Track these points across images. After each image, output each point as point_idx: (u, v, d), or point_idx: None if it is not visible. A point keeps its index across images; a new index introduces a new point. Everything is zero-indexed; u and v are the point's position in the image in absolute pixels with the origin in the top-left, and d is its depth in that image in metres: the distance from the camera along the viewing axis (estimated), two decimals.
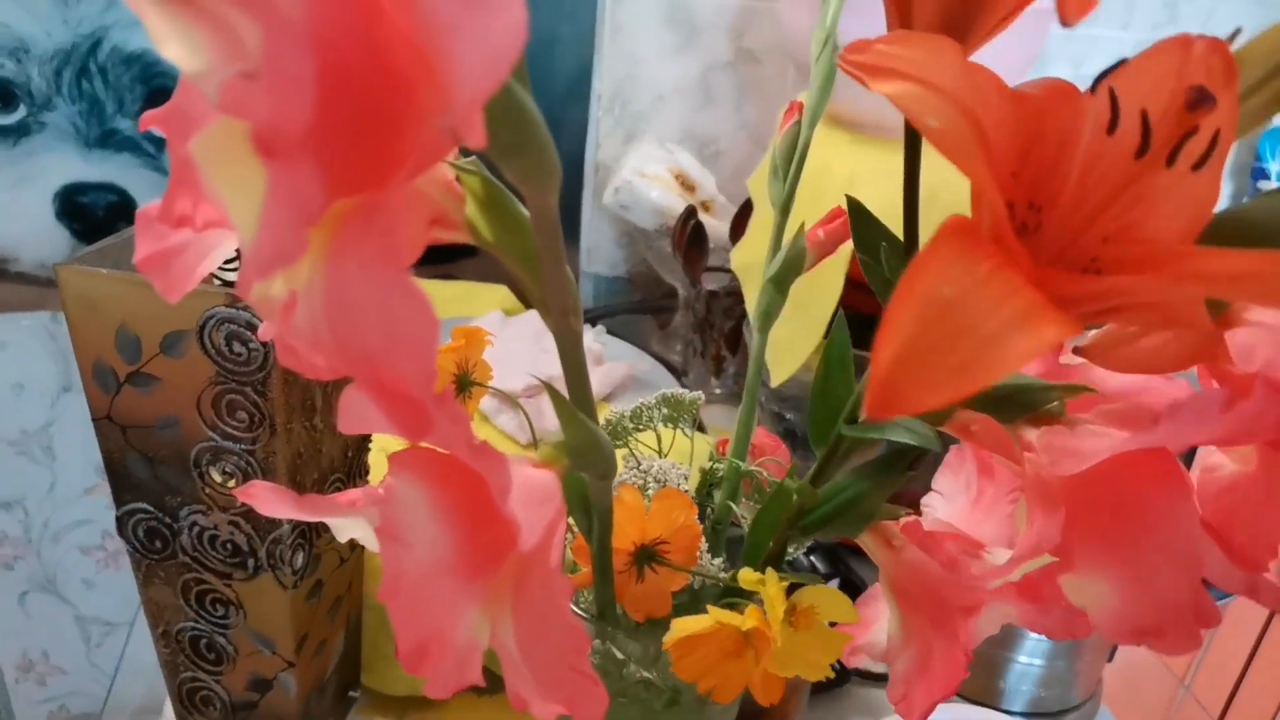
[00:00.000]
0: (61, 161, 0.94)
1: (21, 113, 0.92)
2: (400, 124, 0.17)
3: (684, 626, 0.37)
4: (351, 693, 0.61)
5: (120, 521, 0.49)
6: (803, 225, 0.50)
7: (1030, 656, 0.65)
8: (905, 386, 0.20)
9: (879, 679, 0.68)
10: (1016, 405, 0.30)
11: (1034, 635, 0.64)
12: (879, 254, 0.28)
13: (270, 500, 0.28)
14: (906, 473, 0.37)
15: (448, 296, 0.94)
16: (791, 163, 0.50)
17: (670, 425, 0.52)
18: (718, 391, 0.97)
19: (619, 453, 0.49)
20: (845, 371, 0.35)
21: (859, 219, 0.29)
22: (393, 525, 0.23)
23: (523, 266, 0.28)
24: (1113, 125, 0.24)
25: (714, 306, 0.95)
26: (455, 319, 0.75)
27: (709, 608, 0.36)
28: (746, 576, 0.38)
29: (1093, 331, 0.30)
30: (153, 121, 0.21)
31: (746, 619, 0.36)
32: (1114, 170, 0.24)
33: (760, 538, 0.40)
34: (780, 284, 0.50)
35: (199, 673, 0.53)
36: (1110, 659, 0.68)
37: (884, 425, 0.31)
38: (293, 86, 0.14)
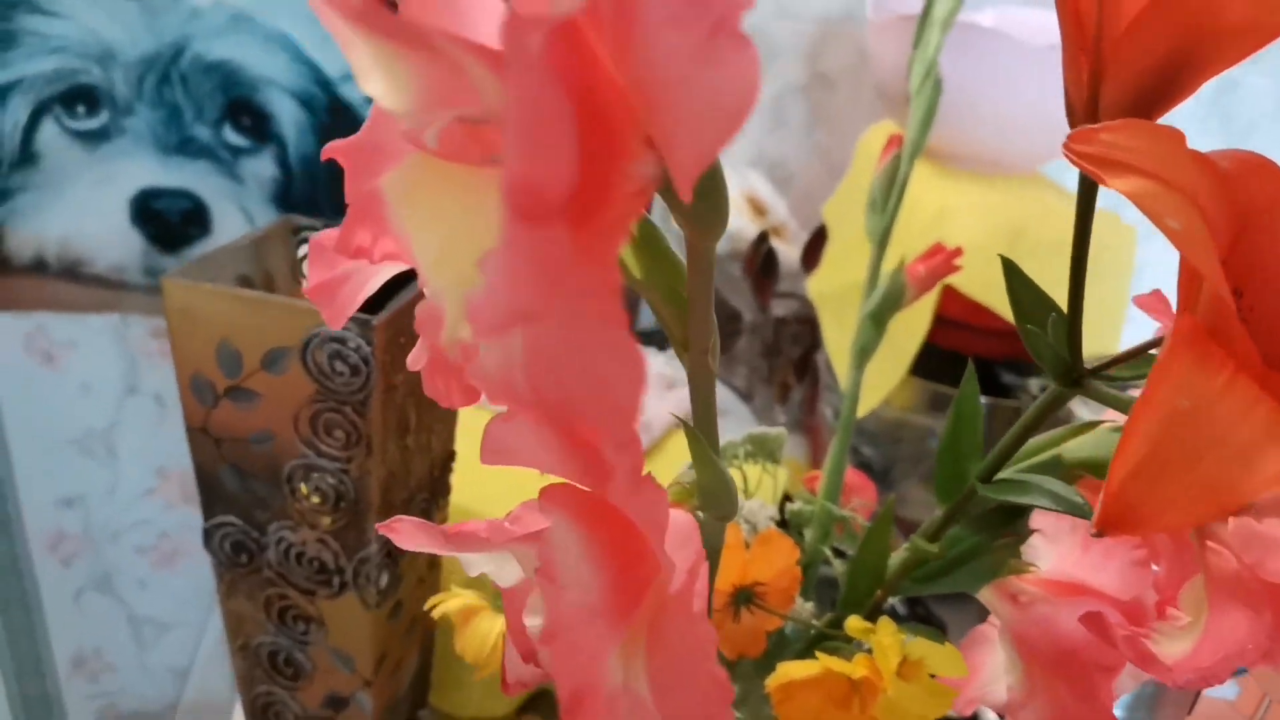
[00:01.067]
0: (139, 167, 0.95)
1: (104, 118, 0.93)
2: (610, 177, 0.17)
3: (790, 671, 0.36)
4: (422, 712, 0.61)
5: (208, 534, 0.49)
6: (903, 260, 0.49)
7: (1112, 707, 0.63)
8: (1142, 503, 0.19)
9: None
10: None
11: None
12: (1042, 322, 0.27)
13: (413, 534, 0.27)
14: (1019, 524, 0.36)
15: None
16: (890, 196, 0.49)
17: (754, 461, 0.51)
18: (783, 420, 0.96)
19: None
20: (974, 425, 0.34)
21: (1017, 284, 0.28)
22: (551, 567, 0.22)
23: (668, 305, 0.28)
24: None
25: (782, 333, 0.94)
26: None
27: (818, 654, 0.36)
28: (854, 625, 0.37)
29: None
30: (336, 153, 0.21)
31: (857, 667, 0.35)
32: None
33: (859, 584, 0.39)
34: (879, 320, 0.49)
35: (274, 687, 0.53)
36: (1190, 711, 0.66)
37: (1025, 486, 0.30)
38: (554, 147, 0.14)
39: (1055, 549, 0.37)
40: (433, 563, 0.56)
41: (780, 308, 0.94)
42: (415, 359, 0.27)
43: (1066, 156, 0.20)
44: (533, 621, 0.28)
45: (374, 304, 0.43)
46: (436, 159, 0.18)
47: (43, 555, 1.14)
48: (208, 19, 0.92)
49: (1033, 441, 0.34)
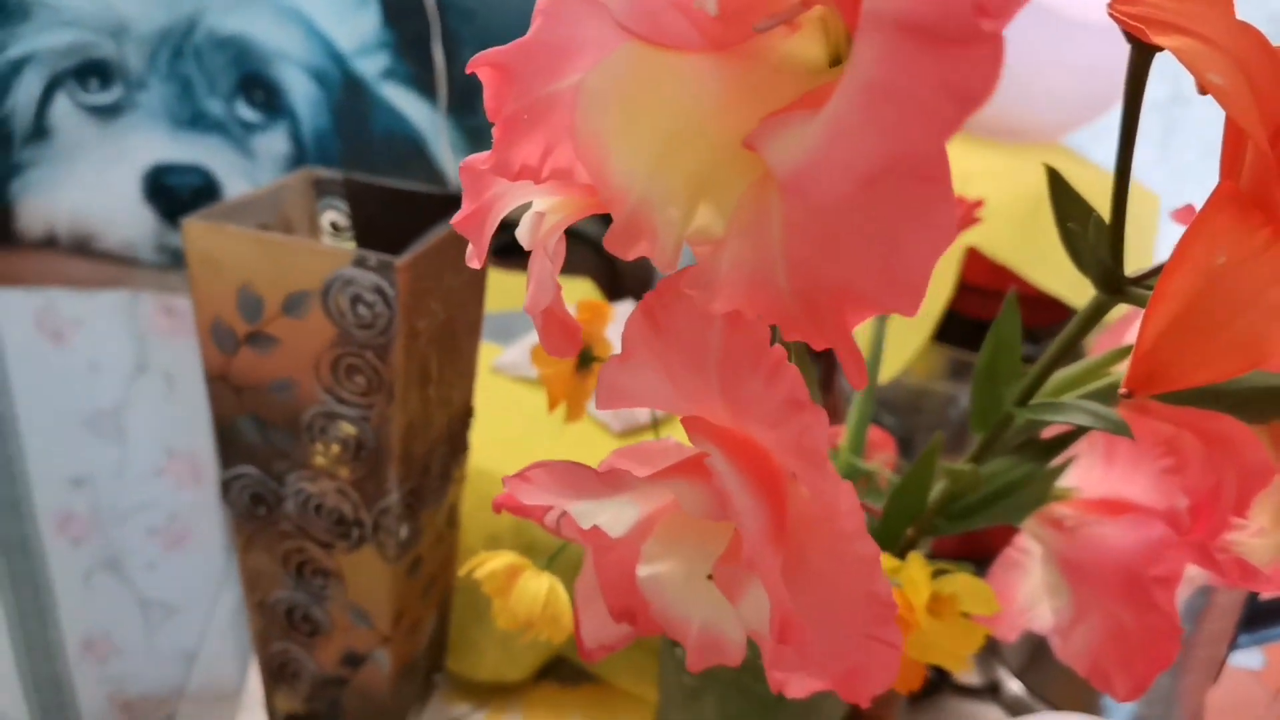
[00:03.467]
0: (151, 141, 0.95)
1: (117, 92, 0.92)
2: None
3: None
4: (437, 675, 0.60)
5: (225, 486, 0.49)
6: None
7: None
8: (1174, 360, 0.18)
9: (972, 692, 0.66)
10: (1271, 405, 0.28)
11: None
12: (1086, 225, 0.27)
13: (545, 484, 0.26)
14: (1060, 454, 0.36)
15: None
16: None
17: None
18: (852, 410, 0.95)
19: None
20: (1013, 351, 0.34)
21: (1059, 190, 0.28)
22: (726, 494, 0.22)
23: None
24: None
25: None
26: None
27: None
28: (885, 562, 0.36)
29: None
30: (489, 62, 0.19)
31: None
32: None
33: (896, 523, 0.38)
34: None
35: (291, 644, 0.53)
36: (1215, 679, 0.65)
37: (1065, 408, 0.30)
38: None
39: (1078, 467, 0.37)
40: (451, 520, 0.55)
41: None
42: (534, 302, 0.25)
43: (1112, 16, 0.20)
44: (649, 570, 0.27)
45: (396, 245, 0.43)
46: (651, 49, 0.17)
47: (52, 536, 1.13)
48: None
49: (1080, 367, 0.33)
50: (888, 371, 0.66)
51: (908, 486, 0.37)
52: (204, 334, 0.45)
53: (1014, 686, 0.66)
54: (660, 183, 0.17)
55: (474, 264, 0.22)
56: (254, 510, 0.49)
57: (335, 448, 0.46)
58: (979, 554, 0.58)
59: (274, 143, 0.98)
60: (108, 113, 0.93)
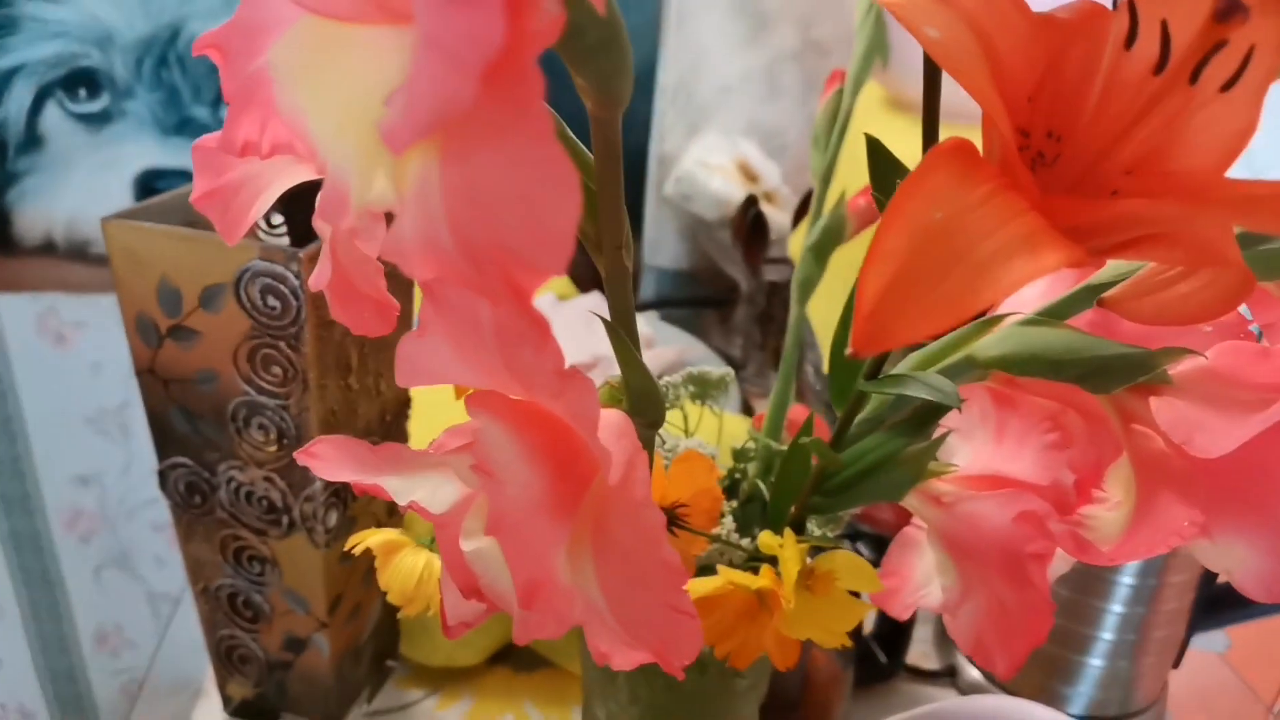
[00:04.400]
0: (140, 148, 0.97)
1: (105, 100, 0.95)
2: None
3: (698, 587, 0.36)
4: (390, 662, 0.62)
5: (162, 475, 0.50)
6: (843, 194, 0.48)
7: (1089, 656, 0.62)
8: (893, 318, 0.19)
9: (928, 675, 0.66)
10: (1115, 375, 0.28)
11: (1094, 633, 0.61)
12: (893, 191, 0.27)
13: (333, 459, 0.27)
14: (931, 429, 0.36)
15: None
16: (832, 132, 0.49)
17: (699, 403, 0.51)
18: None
19: None
20: None
21: (878, 159, 0.28)
22: (487, 462, 0.22)
23: None
24: (1131, 38, 0.22)
25: (775, 298, 0.93)
26: None
27: (719, 568, 0.36)
28: (765, 540, 0.37)
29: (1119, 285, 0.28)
30: (208, 46, 0.20)
31: (758, 579, 0.35)
32: (1135, 91, 0.22)
33: (781, 503, 0.39)
34: (819, 253, 0.49)
35: (237, 630, 0.54)
36: (1176, 665, 0.65)
37: (902, 379, 0.30)
38: None
39: (970, 445, 0.37)
40: (392, 509, 0.56)
41: (773, 273, 0.93)
42: (318, 278, 0.26)
43: None
44: (470, 545, 0.28)
45: (304, 239, 0.44)
46: (328, 21, 0.18)
47: (62, 533, 1.16)
48: (201, 1, 0.93)
49: (941, 342, 0.33)
50: None
51: (787, 466, 0.37)
52: (130, 328, 0.46)
53: (972, 672, 0.66)
54: (343, 151, 0.18)
55: (229, 242, 0.23)
56: (190, 499, 0.50)
57: (261, 437, 0.47)
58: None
59: None
60: (97, 120, 0.95)
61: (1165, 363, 0.28)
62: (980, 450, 0.39)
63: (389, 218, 0.20)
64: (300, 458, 0.25)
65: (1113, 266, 0.31)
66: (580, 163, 0.25)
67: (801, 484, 0.37)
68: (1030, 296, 0.36)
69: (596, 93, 0.22)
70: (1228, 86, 0.20)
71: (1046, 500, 0.36)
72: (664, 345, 0.79)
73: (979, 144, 0.27)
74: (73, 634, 1.22)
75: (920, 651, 0.68)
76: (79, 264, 1.02)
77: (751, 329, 0.96)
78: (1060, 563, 0.36)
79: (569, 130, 0.25)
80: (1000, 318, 0.33)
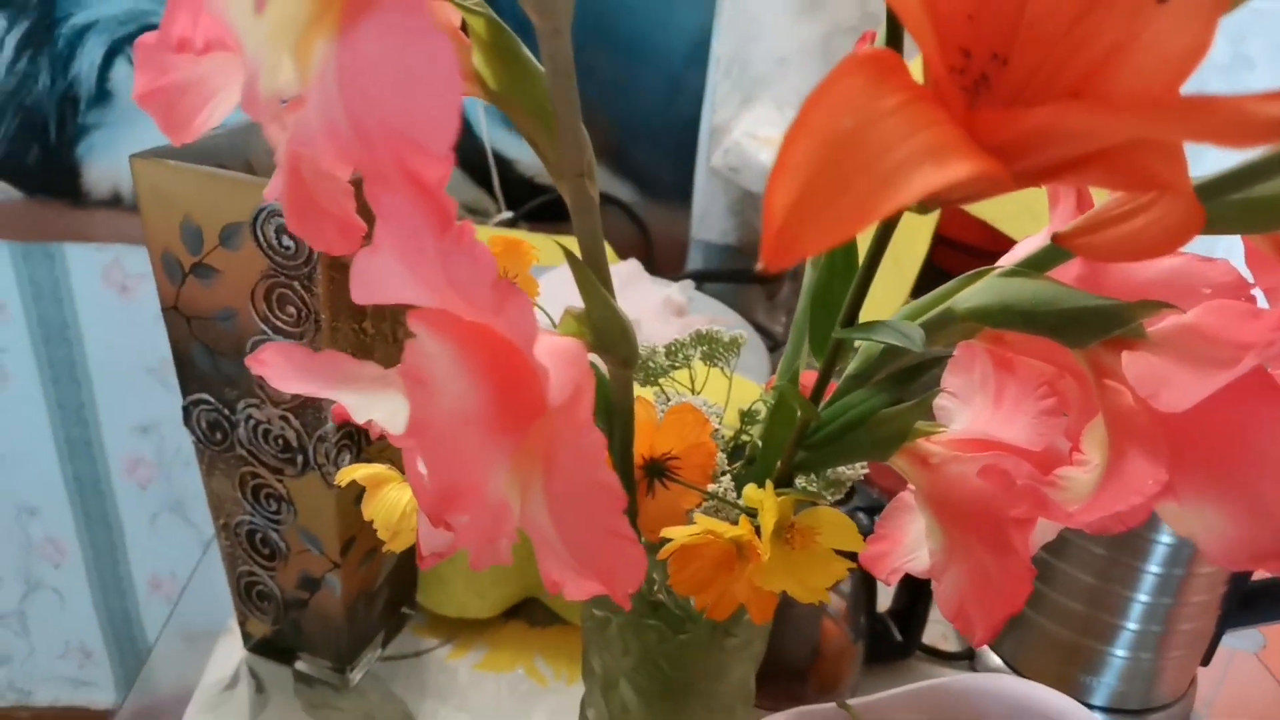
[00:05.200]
0: None
1: None
2: None
3: (675, 535, 0.36)
4: (406, 609, 0.63)
5: (186, 411, 0.52)
6: None
7: (1112, 645, 0.60)
8: (801, 230, 0.18)
9: (945, 657, 0.65)
10: (1088, 327, 0.28)
11: (1118, 621, 0.60)
12: None
13: (281, 365, 0.27)
14: (911, 384, 0.36)
15: (558, 252, 0.95)
16: None
17: (708, 364, 0.51)
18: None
19: (648, 391, 0.48)
20: (849, 271, 0.33)
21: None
22: (418, 370, 0.23)
23: (533, 121, 0.27)
24: None
25: None
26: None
27: (696, 516, 0.35)
28: (751, 493, 0.37)
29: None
30: None
31: (735, 529, 0.35)
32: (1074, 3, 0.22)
33: (769, 456, 0.38)
34: None
35: (255, 567, 0.56)
36: (1205, 662, 0.63)
37: (873, 326, 0.30)
38: None
39: (967, 409, 0.36)
40: None
41: None
42: (271, 189, 0.27)
43: None
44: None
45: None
46: None
47: (121, 479, 1.21)
48: None
49: (932, 294, 0.33)
50: None
51: (773, 418, 0.37)
52: (156, 266, 0.48)
53: (993, 658, 0.64)
54: (255, 36, 0.18)
55: (176, 143, 0.23)
56: (212, 436, 0.52)
57: None
58: None
59: None
60: None
61: (1140, 316, 0.27)
62: (979, 414, 0.38)
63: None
64: (249, 364, 0.25)
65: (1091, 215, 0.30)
66: (526, 72, 0.25)
67: (786, 438, 0.37)
68: (1029, 249, 0.36)
69: (539, 12, 0.22)
70: None
71: (1037, 465, 0.35)
72: (696, 314, 0.78)
73: None
74: (129, 577, 1.27)
75: (939, 633, 0.68)
76: None
77: (795, 306, 0.95)
78: (1047, 529, 0.35)
79: (515, 37, 0.25)
80: (988, 270, 0.32)
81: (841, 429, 0.35)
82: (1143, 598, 0.59)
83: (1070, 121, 0.18)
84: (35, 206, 1.02)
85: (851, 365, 0.35)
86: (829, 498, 0.40)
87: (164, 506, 1.23)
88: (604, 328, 0.29)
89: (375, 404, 0.27)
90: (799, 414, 0.37)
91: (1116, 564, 0.59)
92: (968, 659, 0.65)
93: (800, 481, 0.40)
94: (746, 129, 0.93)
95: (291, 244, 0.44)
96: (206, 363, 0.50)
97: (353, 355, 0.48)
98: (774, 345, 0.93)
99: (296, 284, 0.45)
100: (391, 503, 0.38)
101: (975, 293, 0.31)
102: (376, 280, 0.25)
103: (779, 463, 0.38)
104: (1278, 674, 0.68)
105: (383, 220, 0.23)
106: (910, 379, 0.35)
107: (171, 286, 0.48)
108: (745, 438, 0.49)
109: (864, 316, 0.70)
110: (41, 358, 1.12)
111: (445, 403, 0.23)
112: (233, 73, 0.22)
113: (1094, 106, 0.19)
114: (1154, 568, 0.58)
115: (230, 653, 0.61)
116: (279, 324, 0.46)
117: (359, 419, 0.27)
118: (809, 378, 0.51)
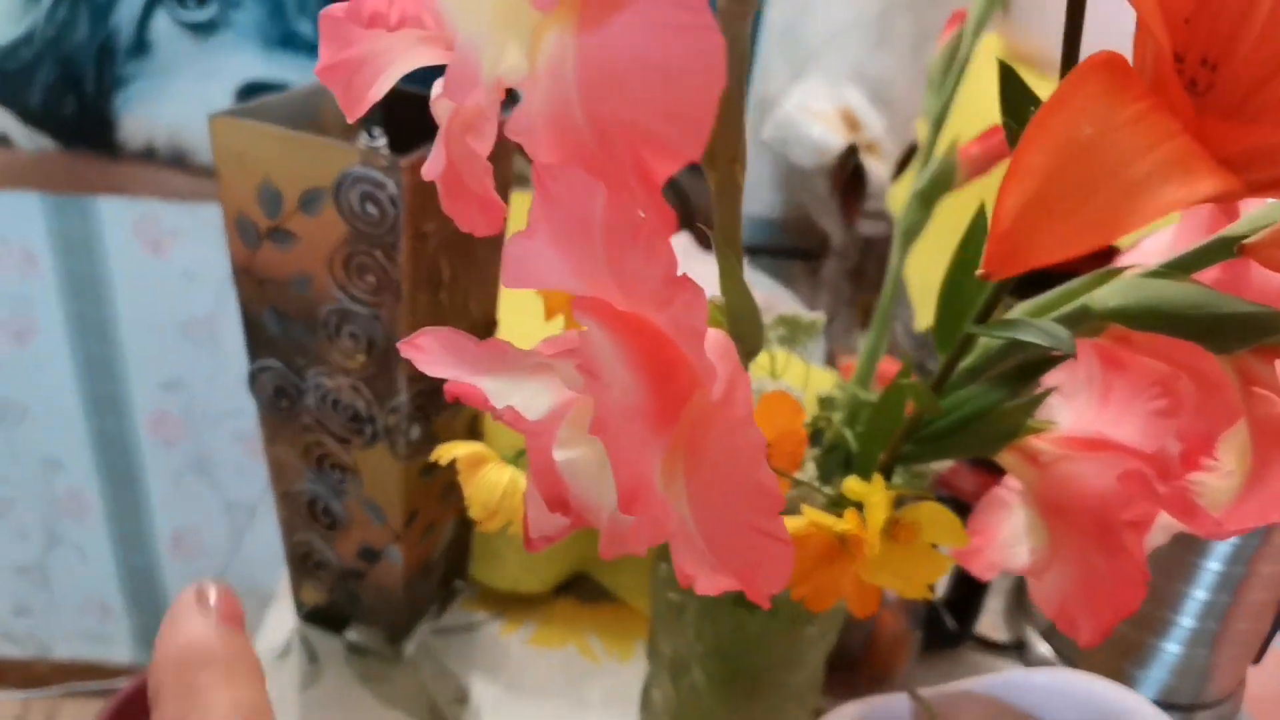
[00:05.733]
0: (244, 60, 0.98)
1: (213, 10, 0.96)
2: None
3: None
4: (458, 582, 0.62)
5: (252, 377, 0.51)
6: (955, 140, 0.47)
7: (1166, 641, 0.60)
8: (1032, 236, 0.18)
9: (996, 647, 0.65)
10: (1240, 333, 0.27)
11: (1174, 617, 0.59)
12: (1026, 119, 0.26)
13: (437, 352, 0.26)
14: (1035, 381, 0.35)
15: None
16: (949, 74, 0.47)
17: (787, 348, 0.50)
18: (862, 344, 0.94)
19: None
20: (979, 267, 0.32)
21: (1010, 86, 0.27)
22: (593, 363, 0.22)
23: None
24: None
25: (869, 254, 0.91)
26: None
27: (804, 508, 0.35)
28: (852, 485, 0.36)
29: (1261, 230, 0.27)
30: None
31: (841, 522, 0.34)
32: None
33: (870, 449, 0.38)
34: (926, 200, 0.47)
35: (314, 536, 0.55)
36: (1257, 660, 0.62)
37: (1016, 324, 0.29)
38: None
39: (1072, 406, 0.36)
40: (472, 428, 0.57)
41: (868, 227, 0.91)
42: (431, 167, 0.26)
43: None
44: (564, 455, 0.27)
45: (406, 147, 0.44)
46: None
47: (148, 435, 1.20)
48: None
49: (1058, 292, 0.32)
50: (932, 315, 0.65)
51: (879, 411, 0.36)
52: (230, 227, 0.47)
53: (1042, 647, 0.64)
54: (477, 20, 0.17)
55: (349, 118, 0.22)
56: (277, 402, 0.51)
57: (350, 344, 0.47)
58: None
59: None
60: (204, 30, 0.96)
61: None
62: (1083, 413, 0.37)
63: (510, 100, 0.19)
64: (403, 349, 0.25)
65: (1249, 219, 0.29)
66: None
67: (893, 430, 0.36)
68: (1154, 249, 0.35)
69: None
70: None
71: (1150, 467, 0.34)
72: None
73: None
74: (151, 534, 1.27)
75: (990, 622, 0.67)
76: (179, 172, 1.04)
77: (840, 284, 0.94)
78: (1158, 533, 0.35)
79: None
80: (1121, 269, 0.31)
81: (955, 424, 0.35)
82: (1201, 594, 0.59)
83: None
84: (69, 158, 1.01)
85: (967, 360, 0.34)
86: (930, 494, 0.39)
87: (189, 465, 1.22)
88: (741, 318, 0.28)
89: (514, 390, 0.26)
90: (906, 408, 0.36)
91: (1178, 560, 0.59)
92: (1017, 649, 0.65)
93: (897, 477, 0.39)
94: (798, 102, 0.92)
95: (375, 211, 0.43)
96: (276, 328, 0.49)
97: (424, 324, 0.48)
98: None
99: (378, 252, 0.44)
100: (491, 482, 0.37)
101: (1115, 292, 0.30)
102: (530, 265, 0.24)
103: (882, 455, 0.37)
104: None
105: (550, 207, 0.22)
106: (1030, 376, 0.34)
107: (245, 249, 0.47)
108: (823, 425, 0.48)
109: (925, 305, 0.69)
110: (70, 312, 1.11)
111: (617, 396, 0.22)
112: (410, 48, 0.21)
113: None
114: (1215, 565, 0.58)
115: (282, 620, 0.60)
116: (356, 292, 0.45)
117: (498, 404, 0.26)
118: (887, 365, 0.50)
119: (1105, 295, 0.30)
